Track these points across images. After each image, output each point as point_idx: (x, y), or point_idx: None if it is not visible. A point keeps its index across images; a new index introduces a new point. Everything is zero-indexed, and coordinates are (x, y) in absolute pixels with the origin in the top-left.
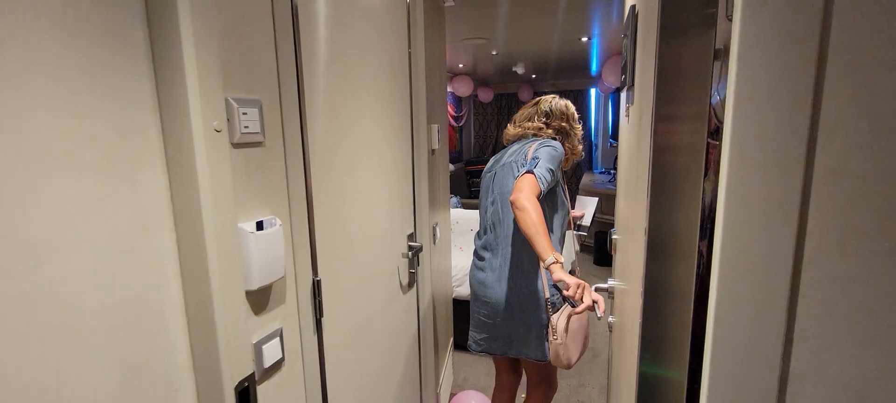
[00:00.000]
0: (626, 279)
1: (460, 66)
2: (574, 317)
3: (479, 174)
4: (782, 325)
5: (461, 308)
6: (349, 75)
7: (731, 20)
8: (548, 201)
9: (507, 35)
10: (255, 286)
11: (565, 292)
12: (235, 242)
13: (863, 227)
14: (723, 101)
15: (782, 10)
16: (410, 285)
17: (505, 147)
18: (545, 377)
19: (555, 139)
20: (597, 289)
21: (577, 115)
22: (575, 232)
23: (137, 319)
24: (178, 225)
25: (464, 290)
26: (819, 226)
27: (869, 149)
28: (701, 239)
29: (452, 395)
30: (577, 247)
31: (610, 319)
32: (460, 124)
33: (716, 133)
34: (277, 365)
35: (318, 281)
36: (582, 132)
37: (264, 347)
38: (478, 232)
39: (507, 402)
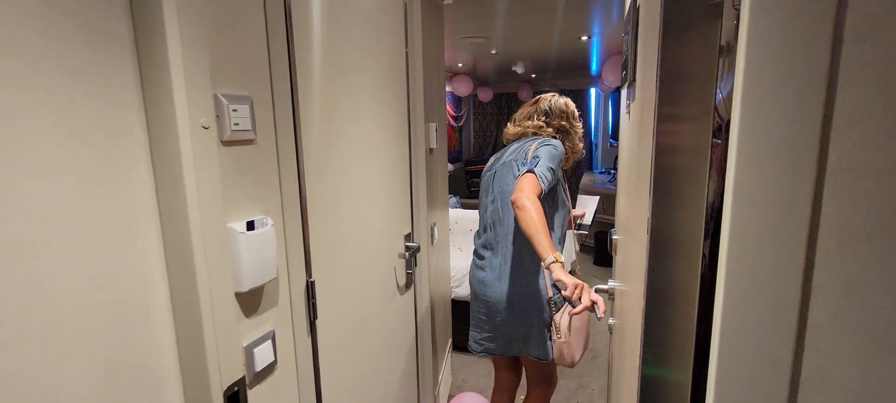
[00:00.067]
0: (626, 280)
1: (459, 65)
2: (575, 316)
3: (478, 174)
4: (793, 330)
5: (460, 308)
6: (345, 72)
7: (738, 10)
8: (548, 200)
9: (506, 34)
10: (245, 287)
11: (563, 292)
12: (224, 242)
13: (878, 227)
14: (726, 99)
15: None
16: (408, 286)
17: (505, 146)
18: (546, 375)
19: (555, 138)
20: (597, 290)
21: (577, 113)
22: (576, 231)
23: (122, 321)
24: (163, 224)
25: (463, 291)
26: (832, 226)
27: (885, 143)
28: (704, 239)
29: (451, 397)
30: (578, 247)
31: (610, 321)
32: (460, 124)
33: (718, 132)
34: (269, 369)
35: (312, 283)
36: (582, 130)
37: (255, 350)
38: (477, 232)
39: None
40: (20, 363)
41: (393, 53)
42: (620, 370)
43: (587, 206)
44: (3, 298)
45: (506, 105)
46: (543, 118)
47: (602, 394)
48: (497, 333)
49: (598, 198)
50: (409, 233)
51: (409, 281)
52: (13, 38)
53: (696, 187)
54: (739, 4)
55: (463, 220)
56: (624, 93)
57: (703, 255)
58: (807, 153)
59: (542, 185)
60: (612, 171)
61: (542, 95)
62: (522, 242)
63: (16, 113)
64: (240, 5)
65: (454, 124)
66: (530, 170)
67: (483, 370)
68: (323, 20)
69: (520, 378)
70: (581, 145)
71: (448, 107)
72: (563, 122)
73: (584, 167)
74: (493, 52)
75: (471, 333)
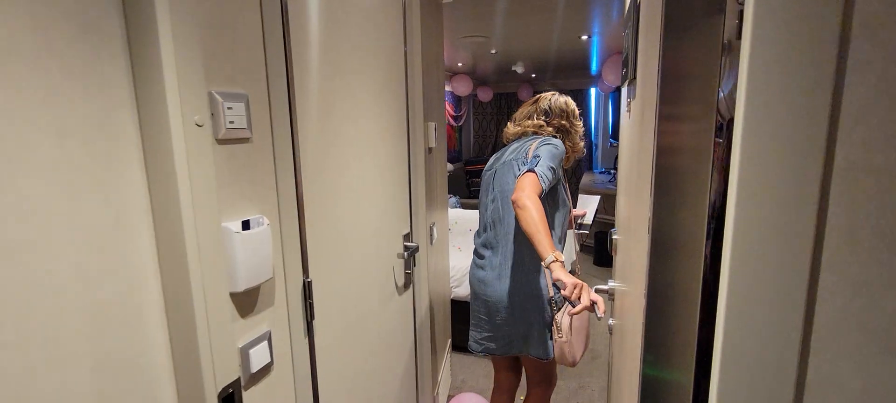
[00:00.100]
0: (627, 280)
1: (459, 64)
2: (575, 316)
3: (478, 174)
4: (798, 333)
5: (460, 309)
6: (342, 71)
7: (741, 5)
8: (549, 199)
9: (506, 33)
10: (241, 287)
11: (563, 292)
12: (219, 242)
13: (887, 228)
14: (729, 97)
15: None
16: (407, 286)
17: (505, 145)
18: (545, 375)
19: (555, 137)
20: (597, 290)
21: (577, 112)
22: (576, 230)
23: (114, 322)
24: (156, 223)
25: (462, 291)
26: (839, 226)
27: (894, 142)
28: (706, 239)
29: (450, 397)
30: (577, 247)
31: (610, 321)
32: (459, 124)
33: (720, 130)
34: (265, 370)
35: (309, 283)
36: (583, 129)
37: (251, 351)
38: (477, 231)
39: None
40: (9, 363)
41: (391, 51)
42: (620, 370)
43: (588, 206)
44: None
45: (505, 105)
46: (543, 117)
47: (602, 395)
48: (497, 333)
49: (598, 197)
50: (408, 233)
51: (408, 281)
52: (7, 36)
53: (697, 186)
54: (743, 0)
55: (462, 220)
56: (624, 91)
57: (706, 256)
58: (813, 152)
59: (543, 184)
60: (612, 171)
61: (542, 94)
62: (523, 241)
63: (7, 109)
64: (235, 3)
65: (454, 124)
66: (531, 170)
67: (482, 370)
68: (320, 18)
69: (520, 379)
70: (582, 144)
71: (448, 107)
72: (563, 121)
73: (583, 167)
74: (493, 51)
75: (471, 333)
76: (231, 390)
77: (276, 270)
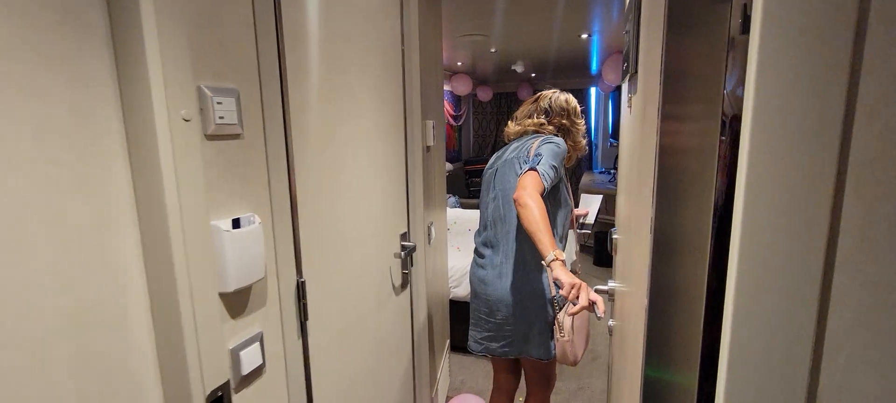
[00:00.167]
0: (627, 281)
1: (459, 64)
2: (576, 316)
3: (477, 174)
4: (810, 336)
5: (459, 309)
6: (338, 67)
7: None
8: (550, 198)
9: (505, 31)
10: (231, 287)
11: (561, 291)
12: (207, 241)
13: None
14: (735, 91)
15: None
16: (404, 286)
17: (506, 144)
18: (545, 376)
19: (556, 135)
20: (596, 291)
21: (578, 109)
22: (578, 230)
23: (97, 323)
24: (141, 221)
25: (461, 291)
26: (853, 224)
27: None
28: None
29: (449, 398)
30: (577, 247)
31: (610, 322)
32: (459, 123)
33: (723, 128)
34: (257, 372)
35: (303, 283)
36: (585, 127)
37: (242, 353)
38: (478, 230)
39: None
40: None
41: (388, 48)
42: (621, 372)
43: (591, 205)
44: None
45: (505, 104)
46: (544, 116)
47: (602, 396)
48: (498, 332)
49: (601, 197)
50: (405, 233)
51: (406, 281)
52: None
53: (702, 184)
54: None
55: (462, 220)
56: (625, 86)
57: (711, 256)
58: (827, 147)
59: (545, 183)
60: (612, 171)
61: (543, 93)
62: (524, 240)
63: None
64: None
65: (453, 123)
66: (533, 168)
67: (482, 371)
68: (314, 13)
69: (519, 380)
70: (584, 142)
71: (447, 107)
72: (564, 120)
73: (584, 167)
74: (493, 50)
75: (470, 332)
76: (220, 393)
77: (268, 270)
